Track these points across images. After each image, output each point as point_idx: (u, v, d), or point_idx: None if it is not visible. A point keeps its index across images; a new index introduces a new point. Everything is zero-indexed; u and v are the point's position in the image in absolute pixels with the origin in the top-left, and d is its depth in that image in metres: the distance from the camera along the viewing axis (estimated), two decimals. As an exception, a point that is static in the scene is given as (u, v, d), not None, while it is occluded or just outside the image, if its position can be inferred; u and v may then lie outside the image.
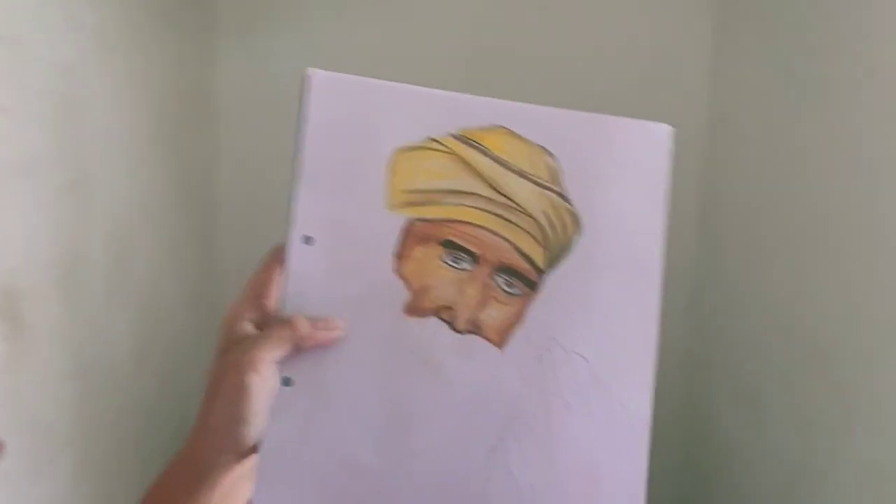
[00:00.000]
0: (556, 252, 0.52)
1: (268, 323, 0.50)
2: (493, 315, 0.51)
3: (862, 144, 1.09)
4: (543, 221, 0.52)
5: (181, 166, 1.52)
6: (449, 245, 0.51)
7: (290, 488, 0.50)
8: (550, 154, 0.53)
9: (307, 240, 0.51)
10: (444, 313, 0.51)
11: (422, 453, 0.50)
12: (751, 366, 1.44)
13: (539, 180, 0.52)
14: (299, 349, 0.49)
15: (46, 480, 1.06)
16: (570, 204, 0.52)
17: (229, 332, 0.50)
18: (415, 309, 0.51)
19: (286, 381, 0.49)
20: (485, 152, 0.52)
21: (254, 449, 0.48)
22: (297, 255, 0.51)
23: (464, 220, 0.51)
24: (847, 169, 1.13)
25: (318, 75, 0.53)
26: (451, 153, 0.52)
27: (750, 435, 1.44)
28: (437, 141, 0.52)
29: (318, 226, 0.51)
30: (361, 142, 0.52)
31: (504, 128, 0.53)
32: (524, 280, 0.52)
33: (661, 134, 0.54)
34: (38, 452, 1.04)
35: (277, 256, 0.52)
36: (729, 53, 1.57)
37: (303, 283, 0.51)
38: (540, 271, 0.52)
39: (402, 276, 0.51)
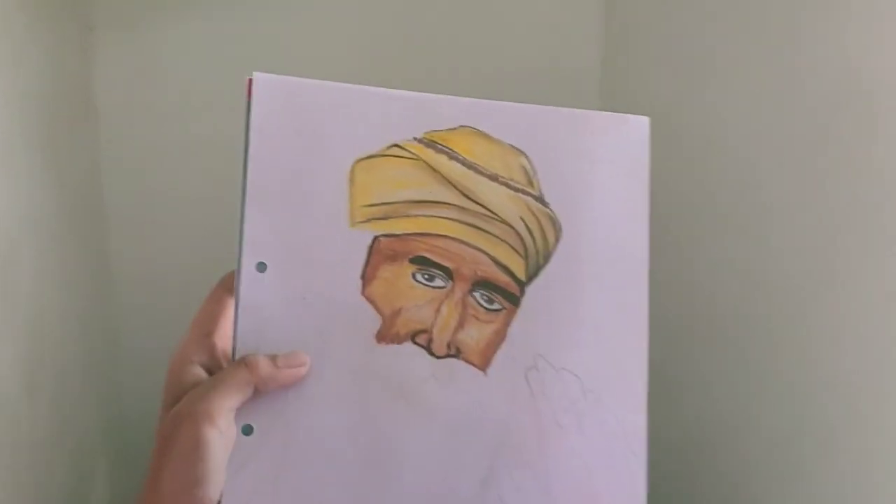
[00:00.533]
0: (537, 261, 0.49)
1: (220, 365, 0.44)
2: (474, 335, 0.47)
3: (755, 118, 1.13)
4: (521, 228, 0.48)
5: (63, 178, 1.40)
6: (420, 261, 0.47)
7: None
8: (523, 154, 0.49)
9: (260, 266, 0.45)
10: (420, 337, 0.47)
11: (408, 496, 0.45)
12: (661, 346, 1.47)
13: (513, 183, 0.48)
14: (260, 393, 0.43)
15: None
16: (547, 207, 0.49)
17: (177, 380, 0.44)
18: (387, 335, 0.46)
19: (246, 430, 0.43)
20: (453, 156, 0.48)
21: None
22: (250, 285, 0.44)
23: (435, 232, 0.47)
24: (742, 142, 1.17)
25: (260, 79, 0.46)
26: (417, 159, 0.47)
27: (663, 412, 1.47)
28: (399, 146, 0.47)
29: (271, 250, 0.45)
30: (316, 152, 0.46)
31: (471, 128, 0.48)
32: (504, 294, 0.48)
33: (639, 127, 0.52)
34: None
35: (227, 286, 0.46)
36: (619, 38, 1.60)
37: (257, 315, 0.44)
38: (521, 283, 0.48)
39: (371, 300, 0.46)
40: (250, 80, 0.46)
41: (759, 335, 1.14)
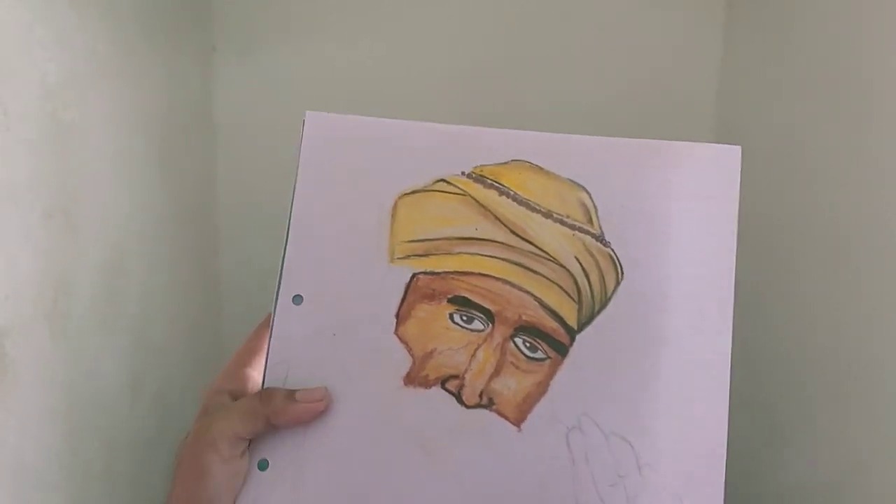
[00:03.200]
0: (592, 306, 0.43)
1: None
2: (511, 385, 0.42)
3: (874, 152, 1.04)
4: (575, 270, 0.43)
5: (177, 190, 1.46)
6: (459, 302, 0.43)
7: None
8: (584, 189, 0.44)
9: (296, 299, 0.43)
10: (451, 384, 0.42)
11: None
12: (766, 384, 1.38)
13: (570, 221, 0.44)
14: (275, 426, 0.41)
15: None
16: (608, 247, 0.43)
17: (205, 407, 0.43)
18: (415, 378, 0.42)
19: (262, 465, 0.42)
20: (503, 191, 0.44)
21: None
22: (284, 317, 0.43)
23: (478, 271, 0.43)
24: (860, 177, 1.08)
25: (311, 117, 0.46)
26: (464, 195, 0.44)
27: (767, 459, 1.38)
28: (446, 182, 0.44)
29: (308, 283, 0.44)
30: (360, 186, 0.45)
31: (527, 162, 0.44)
32: (550, 342, 0.43)
33: (728, 157, 0.44)
34: (23, 497, 0.97)
35: (270, 322, 0.44)
36: (737, 64, 1.52)
37: (288, 348, 0.43)
38: (571, 331, 0.43)
39: (403, 340, 0.43)
40: (303, 119, 0.46)
41: (883, 376, 1.05)
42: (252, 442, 0.42)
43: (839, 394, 1.17)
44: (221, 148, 1.65)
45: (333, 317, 0.43)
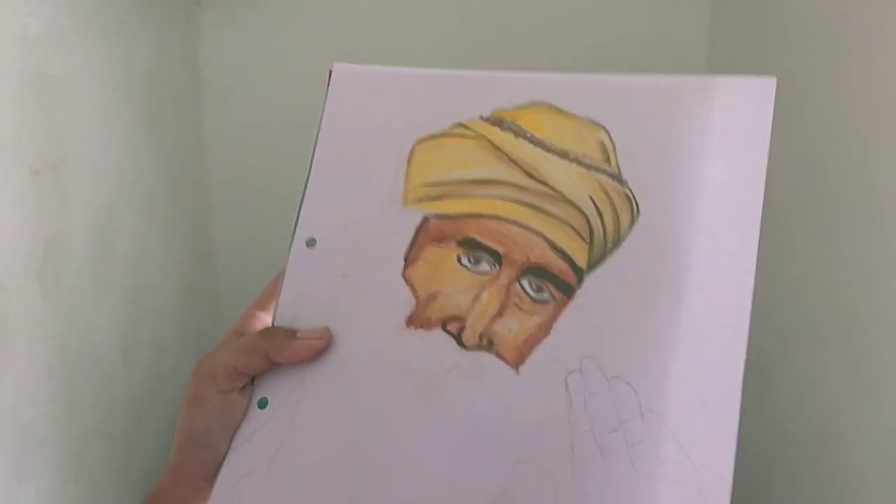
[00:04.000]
0: (604, 247, 0.41)
1: None
2: (513, 327, 0.41)
3: (862, 136, 1.03)
4: (589, 210, 0.41)
5: (167, 148, 1.45)
6: (468, 244, 0.42)
7: None
8: (603, 128, 0.42)
9: (310, 242, 0.44)
10: (452, 325, 0.41)
11: (403, 501, 0.40)
12: (755, 332, 1.39)
13: (586, 160, 0.42)
14: (274, 363, 0.41)
15: (31, 483, 0.99)
16: (625, 187, 0.41)
17: (216, 346, 0.43)
18: (417, 320, 0.42)
19: (262, 403, 0.41)
20: (520, 133, 0.43)
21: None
22: (297, 259, 0.44)
23: (489, 213, 0.42)
24: (862, 120, 1.08)
25: (338, 69, 0.46)
26: (480, 138, 0.43)
27: (753, 404, 1.40)
28: (464, 126, 0.44)
29: (323, 226, 0.44)
30: (379, 134, 0.45)
31: (545, 103, 0.43)
32: (557, 283, 0.41)
33: (761, 91, 0.41)
34: (20, 454, 0.97)
35: None
36: (724, 54, 1.51)
37: (300, 290, 0.43)
38: (579, 272, 0.41)
39: (410, 282, 0.42)
40: (331, 71, 0.46)
41: (870, 332, 1.06)
42: (254, 381, 0.42)
43: (823, 340, 1.18)
44: (209, 104, 1.62)
45: (345, 259, 0.43)
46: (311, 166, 0.45)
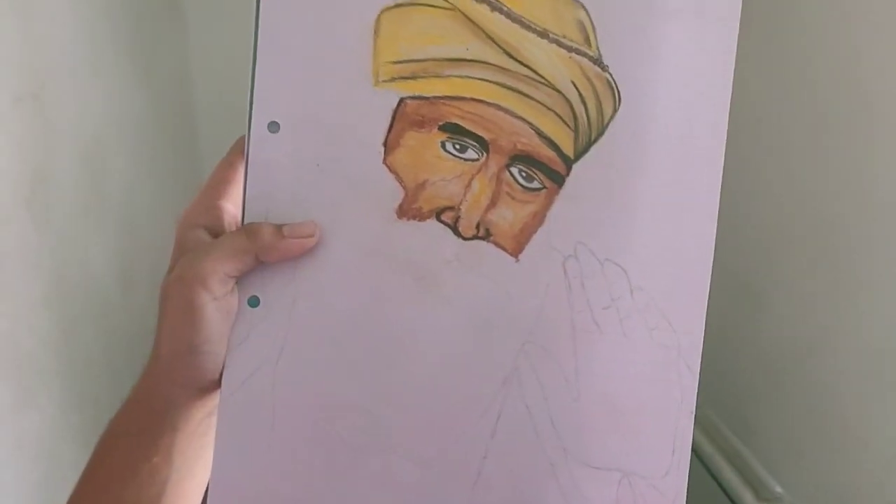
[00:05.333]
0: (588, 135, 0.41)
1: (226, 231, 0.41)
2: (508, 216, 0.41)
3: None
4: (572, 96, 0.41)
5: (153, 76, 1.42)
6: (451, 129, 0.41)
7: (258, 431, 0.41)
8: (582, 6, 0.40)
9: (272, 126, 0.41)
10: (446, 215, 0.41)
11: (419, 388, 0.41)
12: (749, 252, 1.39)
13: (566, 42, 0.40)
14: (264, 262, 0.40)
15: (33, 411, 1.00)
16: (606, 71, 0.41)
17: (180, 244, 0.41)
18: (409, 210, 0.41)
19: (253, 302, 0.41)
20: (496, 6, 0.40)
21: (217, 383, 0.41)
22: (260, 146, 0.41)
23: (470, 96, 0.41)
24: (843, 66, 1.05)
25: None
26: (453, 9, 0.41)
27: (746, 321, 1.40)
28: None
29: (285, 108, 0.41)
30: (333, 7, 0.41)
31: None
32: (547, 171, 0.41)
33: None
34: (21, 384, 0.98)
35: (242, 149, 0.42)
36: None
37: (268, 180, 0.41)
38: (567, 160, 0.41)
39: (393, 170, 0.41)
40: None
41: (855, 245, 1.05)
42: (240, 279, 0.41)
43: (812, 259, 1.18)
44: (192, 33, 1.59)
45: (315, 145, 0.41)
46: (256, 38, 0.41)
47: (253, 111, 0.41)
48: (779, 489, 0.89)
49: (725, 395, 1.54)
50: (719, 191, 0.43)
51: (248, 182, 0.41)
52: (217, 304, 0.39)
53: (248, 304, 0.41)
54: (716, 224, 0.43)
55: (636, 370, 0.42)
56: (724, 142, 0.43)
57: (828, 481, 1.14)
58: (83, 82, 1.16)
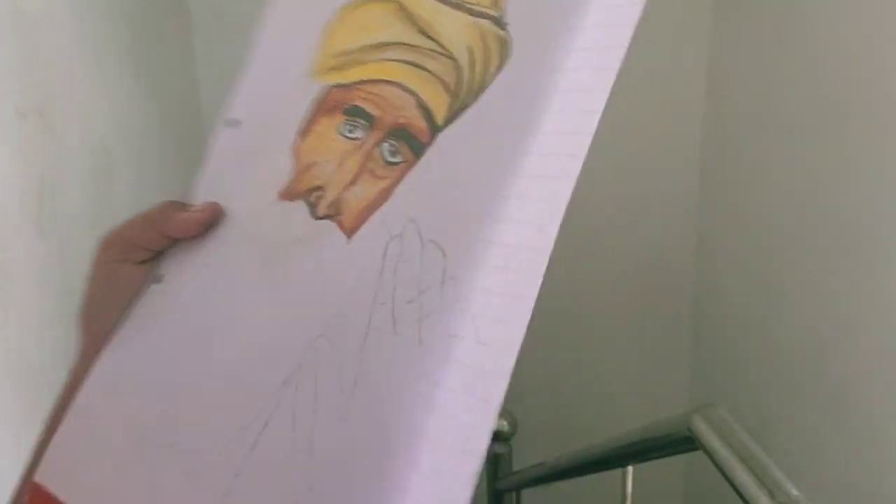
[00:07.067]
0: (467, 98, 0.37)
1: None
2: (359, 193, 0.38)
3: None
4: (464, 61, 0.38)
5: (159, 83, 1.42)
6: (351, 111, 0.40)
7: (100, 402, 0.41)
8: None
9: (232, 123, 0.44)
10: (315, 195, 0.40)
11: (213, 380, 0.38)
12: (764, 246, 1.38)
13: (476, 7, 0.39)
14: (168, 236, 0.42)
15: (41, 426, 1.00)
16: (504, 29, 0.37)
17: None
18: (288, 192, 0.40)
19: (157, 279, 0.42)
20: None
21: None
22: (217, 140, 0.44)
23: (379, 77, 0.40)
24: (854, 46, 1.04)
25: None
26: (392, 1, 0.41)
27: (761, 318, 1.39)
28: None
29: (245, 106, 0.44)
30: (306, 12, 0.44)
31: None
32: (412, 143, 0.38)
33: None
34: (31, 397, 0.98)
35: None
36: (725, 59, 1.44)
37: (214, 171, 0.44)
38: (436, 128, 0.37)
39: (297, 155, 0.41)
40: None
41: (874, 242, 1.04)
42: (158, 258, 0.43)
43: (830, 257, 1.16)
44: (198, 39, 1.59)
45: (254, 137, 0.43)
46: (252, 50, 0.45)
47: (224, 108, 0.44)
48: (795, 491, 0.87)
49: (741, 394, 1.52)
50: (579, 170, 0.34)
51: (204, 172, 0.44)
52: (110, 267, 0.42)
53: (154, 280, 0.42)
54: (560, 218, 0.33)
55: (419, 393, 0.32)
56: (601, 109, 0.34)
57: (847, 482, 1.12)
58: (88, 94, 1.16)
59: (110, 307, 0.42)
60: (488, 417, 0.31)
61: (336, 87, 0.41)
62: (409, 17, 0.41)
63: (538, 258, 0.32)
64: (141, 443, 0.39)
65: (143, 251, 0.42)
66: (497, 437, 1.52)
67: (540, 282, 0.32)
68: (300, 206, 0.40)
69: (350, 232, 0.38)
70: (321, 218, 0.39)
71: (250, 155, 0.43)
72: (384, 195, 0.38)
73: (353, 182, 0.39)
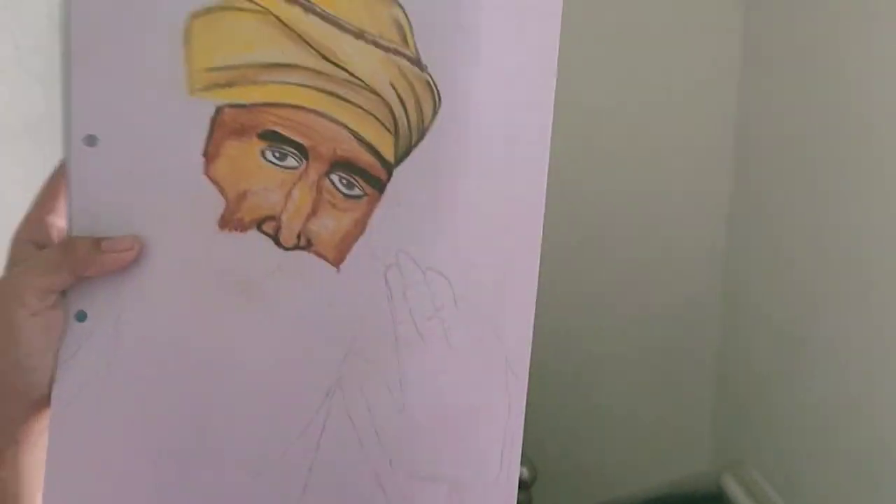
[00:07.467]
0: (409, 138, 0.40)
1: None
2: (329, 225, 0.41)
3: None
4: (391, 98, 0.40)
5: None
6: (270, 137, 0.40)
7: (88, 445, 0.41)
8: (397, 4, 0.40)
9: (90, 140, 0.40)
10: (267, 225, 0.41)
11: (246, 399, 0.41)
12: (792, 302, 1.37)
13: (384, 42, 0.40)
14: (83, 276, 0.40)
15: None
16: (425, 72, 0.40)
17: (11, 257, 0.41)
18: (230, 221, 0.41)
19: (80, 317, 0.41)
20: (309, 8, 0.40)
21: (49, 396, 0.41)
22: (79, 160, 0.40)
23: (287, 102, 0.40)
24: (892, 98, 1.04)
25: None
26: (265, 12, 0.40)
27: (788, 374, 1.38)
28: None
29: (101, 121, 0.40)
30: (142, 8, 0.40)
31: None
32: (367, 178, 0.41)
33: None
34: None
35: None
36: (757, 60, 1.46)
37: (90, 194, 0.40)
38: (388, 165, 0.40)
39: (214, 181, 0.40)
40: None
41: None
42: (68, 293, 0.41)
43: (858, 309, 1.15)
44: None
45: (135, 158, 0.41)
46: (70, 48, 0.40)
47: (70, 124, 0.40)
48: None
49: (767, 451, 1.50)
50: (544, 193, 0.41)
51: (70, 197, 0.41)
52: (35, 320, 0.39)
53: (76, 318, 0.41)
54: (541, 227, 0.42)
55: (463, 380, 0.42)
56: (548, 142, 0.41)
57: (878, 545, 1.10)
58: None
59: (46, 355, 0.40)
60: (521, 387, 0.42)
61: (230, 106, 0.40)
62: (297, 36, 0.40)
63: (530, 260, 0.41)
64: (173, 468, 0.41)
65: (54, 295, 0.40)
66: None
67: (536, 277, 0.41)
68: (256, 237, 0.41)
69: (336, 262, 0.41)
70: (290, 248, 0.41)
71: (136, 179, 0.41)
72: (359, 227, 0.41)
73: (314, 213, 0.40)
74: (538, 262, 0.42)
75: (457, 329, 0.41)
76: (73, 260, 0.40)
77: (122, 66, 0.40)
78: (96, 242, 0.40)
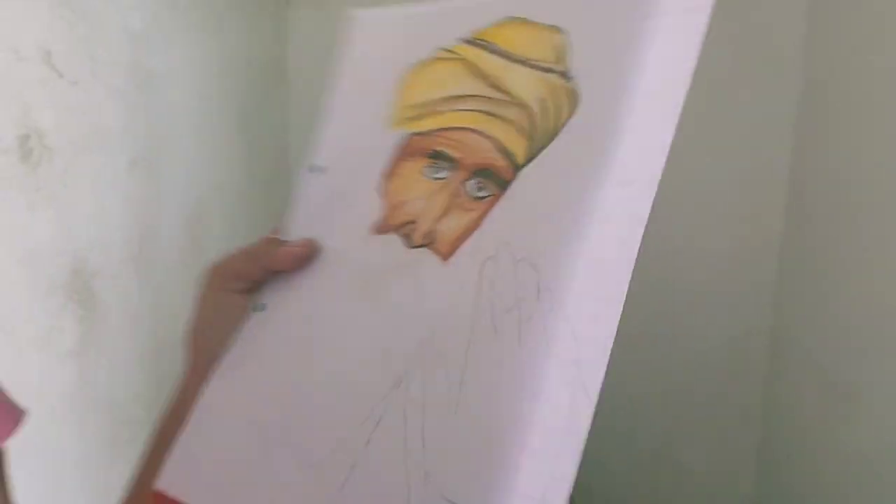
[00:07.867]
0: (543, 140, 0.42)
1: None
2: (451, 224, 0.43)
3: None
4: (536, 108, 0.43)
5: (255, 140, 1.48)
6: (434, 155, 0.45)
7: (219, 418, 0.45)
8: (560, 31, 0.43)
9: (314, 168, 0.49)
10: (407, 228, 0.44)
11: (325, 387, 0.43)
12: (843, 355, 1.34)
13: (542, 64, 0.43)
14: (269, 269, 0.46)
15: (124, 463, 1.03)
16: (570, 82, 0.42)
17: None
18: (381, 227, 0.45)
19: (258, 307, 0.46)
20: (492, 49, 0.45)
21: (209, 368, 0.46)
22: (303, 183, 0.50)
23: (456, 125, 0.45)
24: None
25: (357, 14, 0.52)
26: (460, 59, 0.46)
27: (838, 430, 1.34)
28: (447, 50, 0.47)
29: (329, 154, 0.50)
30: (381, 69, 0.49)
31: (515, 17, 0.45)
32: (497, 180, 0.42)
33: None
34: (114, 435, 1.01)
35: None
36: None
37: (304, 212, 0.49)
38: (517, 167, 0.42)
39: (384, 195, 0.46)
40: (350, 18, 0.52)
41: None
42: (258, 289, 0.46)
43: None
44: (294, 103, 1.66)
45: (340, 181, 0.48)
46: (330, 100, 0.51)
47: (309, 156, 0.50)
48: None
49: (807, 495, 1.47)
50: (649, 208, 0.39)
51: (293, 213, 0.49)
52: (218, 296, 0.46)
53: (255, 308, 0.46)
54: (640, 237, 0.39)
55: (524, 385, 0.37)
56: (664, 160, 0.40)
57: None
58: (191, 144, 1.22)
59: (213, 329, 0.46)
60: (588, 405, 0.37)
61: (415, 134, 0.46)
62: (479, 73, 0.45)
63: (624, 266, 0.38)
64: (265, 444, 0.43)
65: (244, 281, 0.46)
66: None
67: (626, 286, 0.38)
68: (394, 239, 0.44)
69: (446, 256, 0.42)
70: (417, 247, 0.44)
71: (337, 196, 0.48)
72: (475, 224, 0.42)
73: (443, 215, 0.43)
74: (632, 265, 0.39)
75: (532, 323, 0.38)
76: (262, 251, 0.46)
77: (354, 110, 0.50)
78: (281, 240, 0.47)
